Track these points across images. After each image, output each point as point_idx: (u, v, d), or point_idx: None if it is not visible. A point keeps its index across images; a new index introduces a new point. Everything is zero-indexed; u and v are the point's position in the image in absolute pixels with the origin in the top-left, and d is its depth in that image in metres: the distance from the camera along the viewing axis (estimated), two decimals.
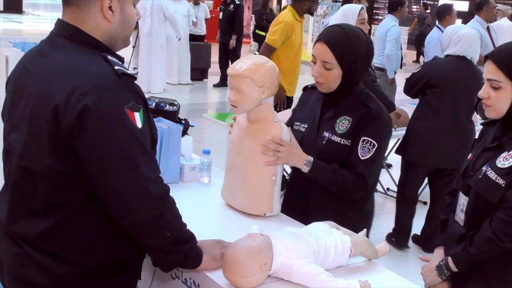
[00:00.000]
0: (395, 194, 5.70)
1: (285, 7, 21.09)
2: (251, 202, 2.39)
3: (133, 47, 10.49)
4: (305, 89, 2.65)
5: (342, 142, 2.35)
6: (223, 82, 10.84)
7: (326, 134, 2.39)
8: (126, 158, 1.61)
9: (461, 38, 4.06)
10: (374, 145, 2.31)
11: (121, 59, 1.75)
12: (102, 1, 1.68)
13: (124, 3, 1.73)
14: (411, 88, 4.29)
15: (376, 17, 19.98)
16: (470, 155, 2.22)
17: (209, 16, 11.35)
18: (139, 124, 1.64)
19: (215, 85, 11.03)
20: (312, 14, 5.71)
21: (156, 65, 9.75)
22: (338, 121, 2.38)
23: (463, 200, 2.15)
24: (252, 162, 2.34)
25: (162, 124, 2.72)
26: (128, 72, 1.66)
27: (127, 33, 1.79)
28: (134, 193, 1.63)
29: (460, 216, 2.16)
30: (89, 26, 1.70)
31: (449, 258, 2.14)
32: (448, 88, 4.11)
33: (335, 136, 2.36)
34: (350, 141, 2.34)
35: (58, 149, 1.60)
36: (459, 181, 2.26)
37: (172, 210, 1.75)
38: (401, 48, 6.82)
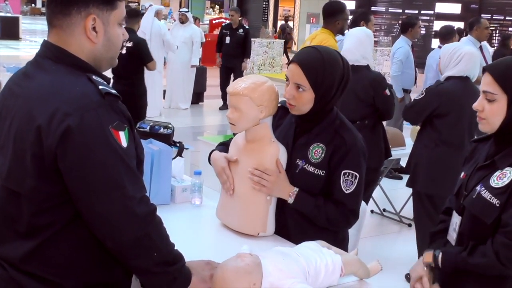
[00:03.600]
0: (392, 216, 5.71)
1: (284, 31, 21.32)
2: (245, 221, 2.37)
3: None
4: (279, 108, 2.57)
5: (316, 172, 2.31)
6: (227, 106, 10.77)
7: (299, 162, 2.34)
8: (111, 178, 1.60)
9: (463, 57, 3.85)
10: (356, 176, 2.28)
11: (107, 80, 1.74)
12: (85, 22, 1.68)
13: (108, 24, 1.72)
14: (416, 117, 4.12)
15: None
16: (462, 173, 2.19)
17: (204, 40, 11.37)
18: (124, 143, 1.62)
19: (221, 108, 10.99)
20: (343, 34, 5.21)
21: (153, 89, 9.74)
22: (311, 148, 2.33)
23: (456, 220, 2.12)
24: (248, 181, 2.33)
25: (153, 146, 2.71)
26: (113, 92, 1.65)
27: (112, 54, 1.78)
28: (119, 214, 1.61)
29: (452, 236, 2.13)
30: (73, 47, 1.70)
31: (440, 253, 2.08)
32: (457, 115, 3.91)
33: (309, 166, 2.32)
34: (324, 172, 2.30)
35: (42, 170, 1.59)
36: (452, 201, 2.23)
37: (159, 230, 1.72)
38: (415, 67, 6.84)
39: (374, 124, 4.32)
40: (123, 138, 1.63)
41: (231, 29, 10.91)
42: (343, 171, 2.28)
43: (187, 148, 5.59)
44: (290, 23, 23.79)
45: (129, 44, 6.55)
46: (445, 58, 3.96)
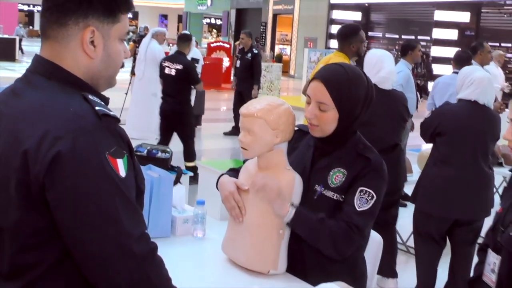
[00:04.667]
0: (398, 246, 5.47)
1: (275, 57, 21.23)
2: (254, 257, 2.15)
3: (126, 94, 10.33)
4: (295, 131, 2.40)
5: (335, 198, 2.12)
6: (235, 131, 10.63)
7: (317, 187, 2.15)
8: (106, 212, 1.38)
9: (474, 82, 3.83)
10: (373, 197, 2.07)
11: (105, 100, 1.54)
12: (82, 34, 1.48)
13: (108, 38, 1.52)
14: (424, 135, 4.11)
15: None
16: (499, 207, 1.99)
17: (202, 62, 11.17)
18: (122, 173, 1.41)
19: (225, 133, 10.80)
20: (360, 56, 5.05)
21: (148, 112, 9.56)
22: (331, 173, 2.14)
23: (493, 259, 1.91)
24: (259, 213, 2.12)
25: (152, 173, 2.50)
26: (111, 113, 1.45)
27: (111, 72, 1.57)
28: (115, 253, 1.40)
29: (490, 277, 1.92)
30: (68, 62, 1.49)
31: None
32: (457, 135, 3.87)
33: (328, 191, 2.13)
34: (343, 196, 2.11)
35: (27, 201, 1.37)
36: (489, 236, 2.03)
37: (160, 272, 1.50)
38: (416, 91, 6.68)
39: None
40: (121, 166, 1.42)
41: (242, 52, 10.77)
42: (360, 188, 2.09)
43: (185, 173, 5.39)
44: (287, 48, 23.76)
45: (179, 67, 6.89)
46: (459, 81, 3.98)
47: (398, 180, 4.20)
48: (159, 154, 5.08)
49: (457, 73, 6.19)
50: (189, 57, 8.03)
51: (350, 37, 4.84)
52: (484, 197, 3.88)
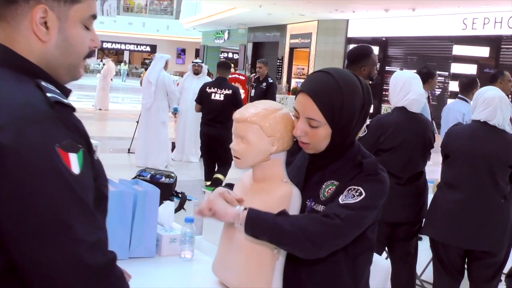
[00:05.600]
0: None
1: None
2: (247, 278, 1.90)
3: (137, 122, 10.19)
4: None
5: (322, 210, 1.86)
6: None
7: (308, 202, 1.90)
8: (55, 216, 1.16)
9: (484, 101, 3.61)
10: (361, 193, 1.80)
11: (65, 91, 1.34)
12: (31, 13, 1.27)
13: (66, 20, 1.31)
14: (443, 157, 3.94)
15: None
16: None
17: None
18: (75, 169, 1.19)
19: None
20: (372, 80, 4.73)
21: (158, 141, 9.39)
22: (324, 186, 1.90)
23: None
24: None
25: (137, 187, 2.28)
26: (65, 101, 1.24)
27: (73, 60, 1.35)
28: (64, 263, 1.17)
29: None
30: (21, 46, 1.29)
31: None
32: (461, 157, 3.64)
33: (318, 205, 1.88)
34: None
35: None
36: None
37: (119, 287, 1.28)
38: (432, 119, 6.42)
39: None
40: (74, 161, 1.20)
41: (258, 81, 10.60)
42: (349, 187, 1.84)
43: (189, 199, 5.16)
44: None
45: (228, 92, 7.30)
46: (473, 101, 3.77)
47: (422, 211, 3.92)
48: (163, 179, 4.90)
49: (461, 98, 6.01)
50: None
51: (361, 59, 4.50)
52: (496, 228, 3.60)
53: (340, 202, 1.82)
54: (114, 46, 46.95)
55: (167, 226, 2.36)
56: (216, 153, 7.35)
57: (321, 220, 1.80)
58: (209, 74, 12.39)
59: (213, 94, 7.32)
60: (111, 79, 18.60)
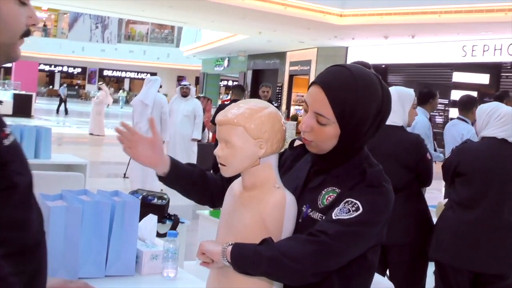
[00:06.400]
0: None
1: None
2: None
3: None
4: (292, 146, 1.93)
5: (319, 219, 1.67)
6: None
7: (304, 208, 1.71)
8: None
9: (503, 117, 3.41)
10: (358, 209, 1.60)
11: None
12: None
13: None
14: (445, 177, 3.69)
15: None
16: None
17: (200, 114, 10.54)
18: None
19: None
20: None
21: None
22: (323, 192, 1.70)
23: None
24: (243, 242, 1.68)
25: (117, 198, 2.10)
26: None
27: (6, 39, 1.19)
28: None
29: None
30: None
31: None
32: (479, 176, 3.44)
33: (315, 212, 1.68)
34: None
35: None
36: None
37: None
38: (433, 141, 6.22)
39: (418, 192, 3.77)
40: None
41: None
42: (346, 199, 1.64)
43: (182, 222, 4.96)
44: None
45: None
46: (482, 119, 3.53)
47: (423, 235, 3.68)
48: (155, 201, 4.72)
49: (461, 119, 5.81)
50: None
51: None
52: (510, 249, 3.41)
53: (333, 217, 1.62)
54: (114, 73, 47.14)
55: (150, 242, 2.16)
56: None
57: (304, 239, 1.61)
58: (198, 97, 12.25)
59: None
60: (108, 105, 18.46)
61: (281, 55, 24.72)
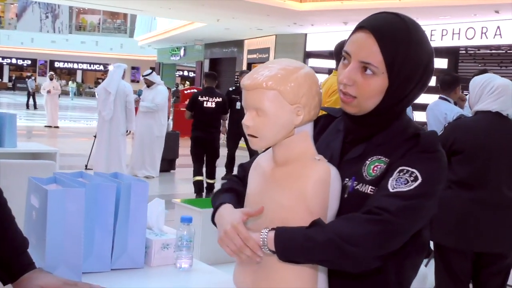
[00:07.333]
0: None
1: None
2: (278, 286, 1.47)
3: (95, 136, 9.64)
4: (318, 120, 1.68)
5: (370, 192, 1.46)
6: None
7: (348, 182, 1.50)
8: None
9: (497, 89, 3.25)
10: (416, 178, 1.40)
11: None
12: None
13: None
14: None
15: None
16: None
17: (166, 101, 10.25)
18: None
19: (223, 178, 10.06)
20: None
21: (118, 153, 8.91)
22: (368, 162, 1.49)
23: None
24: (282, 225, 1.44)
25: (119, 180, 1.82)
26: None
27: None
28: None
29: None
30: None
31: None
32: (477, 153, 3.28)
33: (363, 185, 1.47)
34: None
35: None
36: None
37: None
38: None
39: None
40: None
41: (241, 93, 10.02)
42: (400, 168, 1.43)
43: None
44: None
45: (219, 99, 8.27)
46: (475, 92, 3.37)
47: None
48: None
49: (443, 98, 5.58)
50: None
51: None
52: (509, 226, 3.28)
53: (390, 189, 1.40)
54: (66, 65, 46.04)
55: (157, 229, 1.90)
56: (206, 152, 8.25)
57: (364, 219, 1.38)
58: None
59: (205, 102, 8.16)
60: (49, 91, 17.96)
61: (239, 43, 24.45)
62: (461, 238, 3.29)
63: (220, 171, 9.74)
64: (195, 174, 8.43)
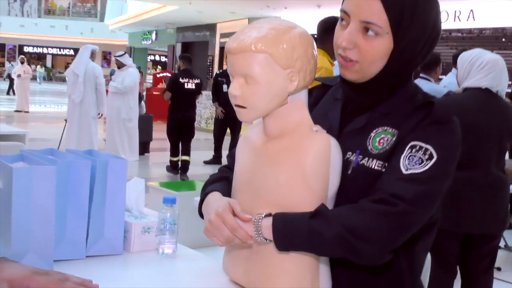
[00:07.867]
0: None
1: None
2: (275, 276, 1.31)
3: (65, 120, 9.37)
4: (310, 91, 1.52)
5: (377, 168, 1.31)
6: (216, 160, 9.78)
7: (352, 156, 1.34)
8: None
9: (486, 64, 3.12)
10: (431, 157, 1.26)
11: None
12: None
13: None
14: None
15: None
16: None
17: (136, 84, 9.94)
18: None
19: (206, 162, 9.88)
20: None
21: (88, 136, 8.71)
22: (373, 134, 1.34)
23: None
24: (278, 205, 1.29)
25: (93, 157, 1.65)
26: None
27: None
28: None
29: None
30: None
31: None
32: (467, 132, 3.15)
33: (369, 159, 1.32)
34: None
35: None
36: None
37: None
38: None
39: None
40: None
41: (227, 76, 9.76)
42: (412, 143, 1.28)
43: None
44: None
45: (198, 81, 8.63)
46: (464, 68, 3.24)
47: None
48: None
49: (424, 78, 5.47)
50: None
51: (331, 29, 3.95)
52: (501, 207, 3.20)
53: (404, 171, 1.25)
54: (35, 50, 45.20)
55: (137, 212, 1.73)
56: (183, 132, 8.53)
57: (376, 210, 1.23)
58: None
59: (186, 84, 8.44)
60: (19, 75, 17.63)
61: (211, 27, 24.17)
62: (450, 218, 3.19)
63: (198, 154, 9.68)
64: (173, 155, 8.80)
